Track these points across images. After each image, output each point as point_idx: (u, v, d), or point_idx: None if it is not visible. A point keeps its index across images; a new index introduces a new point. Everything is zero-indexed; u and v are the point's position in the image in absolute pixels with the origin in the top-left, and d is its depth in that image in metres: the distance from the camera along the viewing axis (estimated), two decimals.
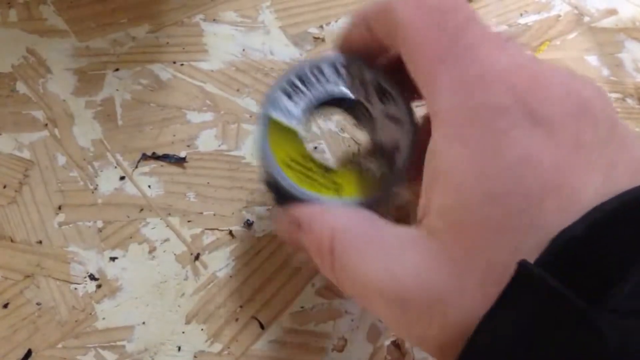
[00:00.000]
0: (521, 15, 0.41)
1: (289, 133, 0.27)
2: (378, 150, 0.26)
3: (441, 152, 0.19)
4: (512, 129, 0.18)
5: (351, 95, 0.27)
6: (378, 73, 0.26)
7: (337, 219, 0.22)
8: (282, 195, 0.26)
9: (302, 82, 0.27)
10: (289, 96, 0.27)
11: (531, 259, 0.16)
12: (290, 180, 0.26)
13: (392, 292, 0.19)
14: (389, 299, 0.19)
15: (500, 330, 0.16)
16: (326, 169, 0.26)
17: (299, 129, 0.27)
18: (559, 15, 0.41)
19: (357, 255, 0.20)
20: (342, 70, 0.27)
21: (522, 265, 0.16)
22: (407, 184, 0.25)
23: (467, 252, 0.17)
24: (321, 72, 0.27)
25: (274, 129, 0.26)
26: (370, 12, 0.24)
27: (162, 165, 0.35)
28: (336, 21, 0.40)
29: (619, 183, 0.17)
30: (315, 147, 0.36)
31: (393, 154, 0.26)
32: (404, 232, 0.20)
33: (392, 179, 0.25)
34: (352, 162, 0.27)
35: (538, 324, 0.16)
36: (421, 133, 0.24)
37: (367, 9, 0.24)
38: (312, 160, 0.27)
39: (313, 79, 0.27)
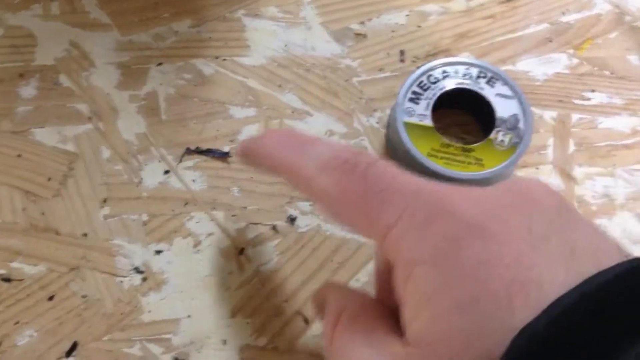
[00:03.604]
0: (563, 13, 0.41)
1: (424, 129, 0.34)
2: (502, 125, 0.34)
3: (406, 277, 0.19)
4: (466, 239, 0.18)
5: (463, 87, 0.35)
6: (482, 65, 0.35)
7: (348, 304, 0.23)
8: None
9: (419, 86, 0.35)
10: (413, 100, 0.34)
11: None
12: (439, 166, 0.32)
13: None
14: None
15: None
16: (465, 149, 0.33)
17: (430, 124, 0.34)
18: (600, 14, 0.41)
19: (350, 344, 0.21)
20: (449, 71, 0.35)
21: None
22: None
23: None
24: (432, 75, 0.35)
25: (410, 130, 0.33)
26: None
27: (205, 160, 0.35)
28: (377, 17, 0.40)
29: (583, 268, 0.17)
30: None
31: (516, 124, 0.33)
32: (391, 340, 0.20)
33: (522, 144, 0.33)
34: (485, 138, 0.34)
35: None
36: None
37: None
38: (451, 145, 0.33)
39: (427, 83, 0.35)
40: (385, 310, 0.22)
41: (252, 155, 0.27)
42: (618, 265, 0.17)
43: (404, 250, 0.19)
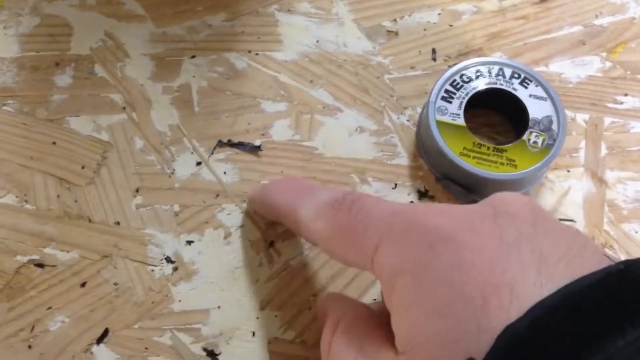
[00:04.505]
0: (596, 16, 0.41)
1: (456, 128, 0.33)
2: (535, 126, 0.33)
3: (391, 288, 0.21)
4: (440, 247, 0.19)
5: (496, 87, 0.35)
6: (515, 65, 0.35)
7: (345, 314, 0.25)
8: (464, 184, 0.33)
9: (452, 85, 0.34)
10: (446, 99, 0.34)
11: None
12: (471, 166, 0.32)
13: None
14: None
15: None
16: (498, 150, 0.33)
17: (463, 123, 0.34)
18: (634, 18, 0.41)
19: (345, 352, 0.23)
20: (482, 70, 0.35)
21: None
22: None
23: None
24: (464, 75, 0.35)
25: (443, 128, 0.33)
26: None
27: (237, 153, 0.35)
28: (410, 15, 0.40)
29: (555, 272, 0.18)
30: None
31: (550, 126, 0.33)
32: (385, 349, 0.21)
33: (555, 146, 0.33)
34: (518, 139, 0.33)
35: None
36: None
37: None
38: (483, 145, 0.33)
39: (460, 81, 0.35)
40: (383, 320, 0.23)
41: (259, 202, 0.31)
42: (602, 270, 0.18)
43: (387, 265, 0.21)
